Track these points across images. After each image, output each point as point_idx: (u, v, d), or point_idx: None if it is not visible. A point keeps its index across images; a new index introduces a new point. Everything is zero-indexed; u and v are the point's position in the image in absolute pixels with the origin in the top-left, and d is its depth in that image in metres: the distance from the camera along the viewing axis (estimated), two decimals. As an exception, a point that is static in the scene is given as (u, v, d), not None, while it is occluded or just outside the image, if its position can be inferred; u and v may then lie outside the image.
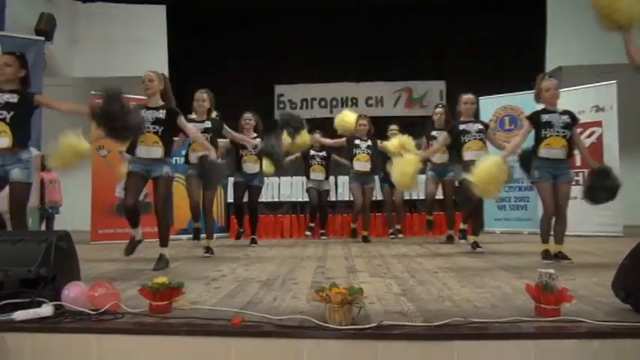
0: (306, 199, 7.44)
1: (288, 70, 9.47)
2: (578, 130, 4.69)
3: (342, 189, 8.06)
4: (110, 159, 6.89)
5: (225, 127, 5.34)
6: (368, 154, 6.32)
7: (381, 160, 6.52)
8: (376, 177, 6.76)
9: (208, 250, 5.05)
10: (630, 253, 2.42)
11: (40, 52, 6.28)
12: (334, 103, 9.92)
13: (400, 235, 7.05)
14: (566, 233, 4.28)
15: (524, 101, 7.73)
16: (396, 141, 6.25)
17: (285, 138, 5.86)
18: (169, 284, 2.36)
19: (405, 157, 5.21)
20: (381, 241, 6.57)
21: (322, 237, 7.09)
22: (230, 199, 8.06)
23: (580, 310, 2.32)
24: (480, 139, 5.06)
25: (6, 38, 6.19)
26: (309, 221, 7.36)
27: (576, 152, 4.58)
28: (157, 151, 4.05)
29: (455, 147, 5.22)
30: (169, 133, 4.17)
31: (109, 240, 6.83)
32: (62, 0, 9.30)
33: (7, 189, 3.66)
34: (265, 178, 6.39)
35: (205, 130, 5.02)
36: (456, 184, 5.48)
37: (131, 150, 4.09)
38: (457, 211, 6.23)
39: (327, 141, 6.78)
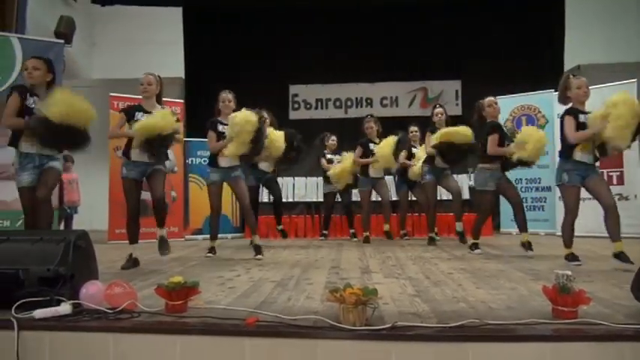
0: (321, 199, 7.45)
1: (303, 70, 9.47)
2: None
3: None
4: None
5: None
6: None
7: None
8: (390, 178, 6.74)
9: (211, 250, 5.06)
10: (650, 254, 2.37)
11: (60, 54, 6.37)
12: (349, 103, 9.90)
13: (406, 237, 6.94)
14: (584, 234, 4.19)
15: (541, 101, 7.65)
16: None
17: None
18: (185, 283, 2.39)
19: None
20: (395, 243, 6.54)
21: (354, 238, 6.99)
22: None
23: (598, 312, 2.29)
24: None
25: (26, 41, 6.30)
26: (322, 228, 7.32)
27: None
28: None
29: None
30: None
31: (126, 239, 6.88)
32: (81, 3, 9.46)
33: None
34: (280, 179, 6.42)
35: None
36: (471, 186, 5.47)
37: (127, 152, 4.18)
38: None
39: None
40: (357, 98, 9.89)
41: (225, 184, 4.99)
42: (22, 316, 2.21)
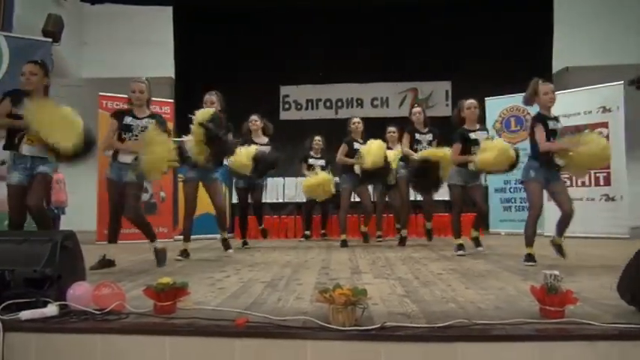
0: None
1: (294, 71, 9.46)
2: (586, 131, 4.81)
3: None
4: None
5: None
6: None
7: None
8: None
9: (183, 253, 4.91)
10: (636, 254, 2.40)
11: (48, 53, 6.31)
12: (339, 104, 9.90)
13: (380, 239, 6.88)
14: (573, 235, 4.27)
15: (530, 102, 7.72)
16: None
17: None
18: (174, 284, 2.37)
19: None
20: (387, 243, 6.55)
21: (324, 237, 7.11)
22: (235, 200, 8.11)
23: (585, 312, 2.31)
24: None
25: (13, 39, 6.23)
26: (304, 228, 7.35)
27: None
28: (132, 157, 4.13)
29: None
30: None
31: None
32: (70, 1, 9.36)
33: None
34: (269, 179, 6.42)
35: None
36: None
37: (115, 155, 4.18)
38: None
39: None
40: (347, 99, 9.89)
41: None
42: (7, 318, 2.19)
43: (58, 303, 2.31)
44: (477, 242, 5.22)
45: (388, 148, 6.40)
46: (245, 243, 6.26)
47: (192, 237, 6.70)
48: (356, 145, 6.21)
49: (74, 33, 9.79)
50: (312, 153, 7.13)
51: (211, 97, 5.03)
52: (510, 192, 7.90)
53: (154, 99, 4.57)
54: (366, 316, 2.19)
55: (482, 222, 5.04)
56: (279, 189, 8.75)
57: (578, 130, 4.99)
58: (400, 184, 6.05)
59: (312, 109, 9.89)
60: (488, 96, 7.98)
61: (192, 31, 9.49)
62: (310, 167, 7.02)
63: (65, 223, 7.90)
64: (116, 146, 4.16)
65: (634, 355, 1.98)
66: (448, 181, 5.17)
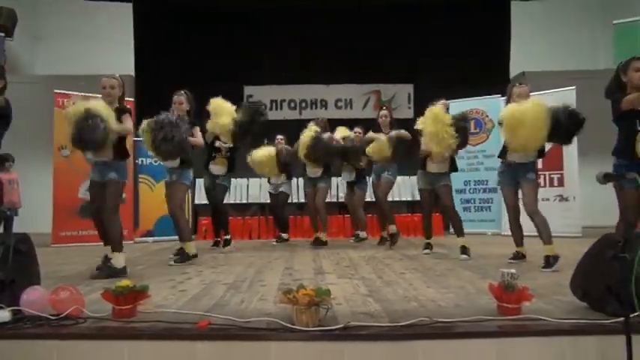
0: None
1: (258, 70, 9.40)
2: None
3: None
4: (72, 159, 6.70)
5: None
6: None
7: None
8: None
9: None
10: (587, 253, 2.52)
11: (1, 49, 6.05)
12: (303, 104, 9.91)
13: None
14: (529, 234, 4.39)
15: (490, 105, 7.93)
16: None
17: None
18: (134, 287, 2.32)
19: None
20: (352, 244, 6.60)
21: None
22: (197, 201, 8.02)
23: (540, 308, 2.40)
24: None
25: (-38, 33, 5.95)
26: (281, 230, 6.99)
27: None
28: (109, 154, 3.92)
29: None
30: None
31: (71, 242, 6.65)
32: (23, -6, 9.01)
33: None
34: (232, 179, 6.32)
35: None
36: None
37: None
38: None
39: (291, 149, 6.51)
40: (311, 100, 9.92)
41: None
42: (-45, 325, 2.09)
43: (11, 308, 2.22)
44: (463, 250, 4.73)
45: None
46: (217, 243, 6.17)
47: (152, 239, 6.56)
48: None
49: (28, 27, 9.41)
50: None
51: (180, 97, 4.92)
52: (470, 193, 8.09)
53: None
54: (329, 316, 2.20)
55: (457, 224, 4.98)
56: (242, 189, 8.68)
57: None
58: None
59: (277, 109, 9.86)
60: (450, 99, 8.14)
61: (153, 29, 9.27)
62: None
63: (19, 225, 7.58)
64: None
65: (587, 349, 2.06)
66: (417, 185, 5.21)
